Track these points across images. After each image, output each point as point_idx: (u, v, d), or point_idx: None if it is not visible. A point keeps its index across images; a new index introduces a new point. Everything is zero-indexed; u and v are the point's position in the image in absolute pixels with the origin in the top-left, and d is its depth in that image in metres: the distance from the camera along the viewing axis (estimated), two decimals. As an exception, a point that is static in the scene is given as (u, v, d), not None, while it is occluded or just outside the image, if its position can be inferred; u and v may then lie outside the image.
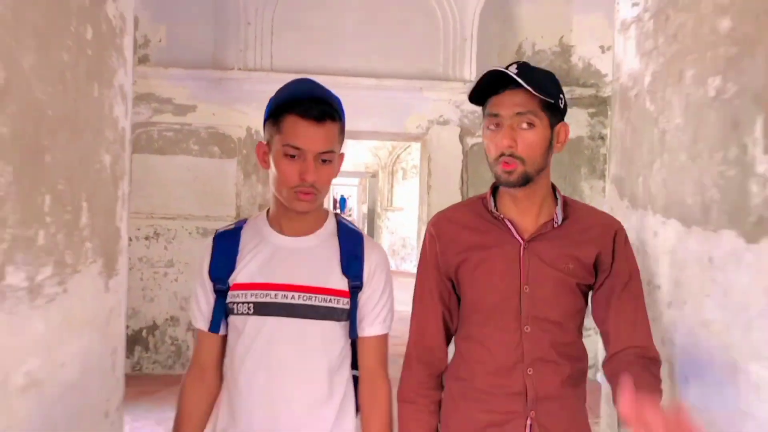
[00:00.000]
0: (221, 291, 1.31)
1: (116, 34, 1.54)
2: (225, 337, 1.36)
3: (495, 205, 1.30)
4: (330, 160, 1.27)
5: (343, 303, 1.31)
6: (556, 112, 1.22)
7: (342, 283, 1.32)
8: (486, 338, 1.28)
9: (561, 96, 1.23)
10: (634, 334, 1.23)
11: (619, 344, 1.23)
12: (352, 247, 1.35)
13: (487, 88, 1.23)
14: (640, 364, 1.19)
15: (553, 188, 1.31)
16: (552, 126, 1.22)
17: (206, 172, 4.66)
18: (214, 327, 1.34)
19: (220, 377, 1.37)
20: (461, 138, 4.86)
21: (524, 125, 1.19)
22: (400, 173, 11.58)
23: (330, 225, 1.37)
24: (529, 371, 1.24)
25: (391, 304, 1.39)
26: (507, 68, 1.20)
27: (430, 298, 1.34)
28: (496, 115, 1.21)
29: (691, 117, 1.51)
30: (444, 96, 4.78)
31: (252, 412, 1.29)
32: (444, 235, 1.32)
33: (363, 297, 1.34)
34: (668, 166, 1.62)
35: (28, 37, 1.12)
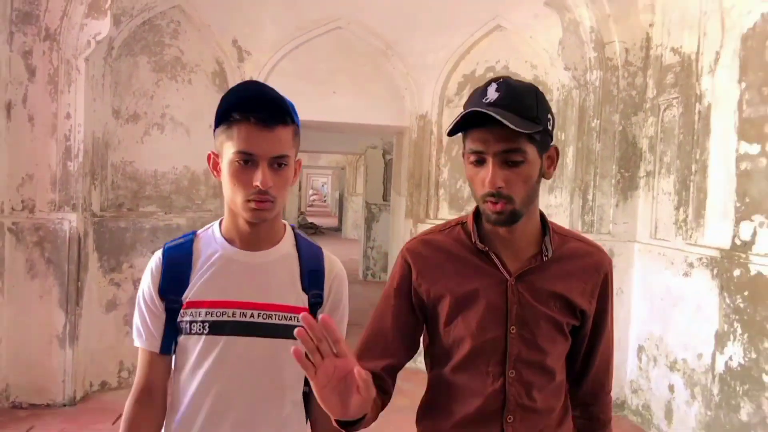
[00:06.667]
0: (172, 310, 1.23)
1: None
2: (170, 358, 1.28)
3: (479, 235, 1.17)
4: (285, 164, 1.19)
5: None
6: (545, 137, 1.09)
7: (301, 300, 1.26)
8: (466, 382, 1.16)
9: (549, 117, 1.08)
10: (599, 376, 1.28)
11: (585, 388, 1.27)
12: (312, 263, 1.30)
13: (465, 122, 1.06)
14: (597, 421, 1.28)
15: (542, 217, 1.19)
16: (541, 154, 1.09)
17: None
18: (165, 349, 1.25)
19: (166, 400, 1.30)
20: (383, 155, 9.23)
21: (511, 162, 1.05)
22: (362, 168, 14.97)
23: (288, 239, 1.31)
24: (509, 419, 1.14)
25: (345, 319, 1.35)
26: (486, 87, 1.08)
27: (391, 315, 1.21)
28: (479, 152, 1.07)
29: None
30: (374, 134, 8.99)
31: None
32: (422, 262, 1.19)
33: (323, 313, 1.27)
34: None
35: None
